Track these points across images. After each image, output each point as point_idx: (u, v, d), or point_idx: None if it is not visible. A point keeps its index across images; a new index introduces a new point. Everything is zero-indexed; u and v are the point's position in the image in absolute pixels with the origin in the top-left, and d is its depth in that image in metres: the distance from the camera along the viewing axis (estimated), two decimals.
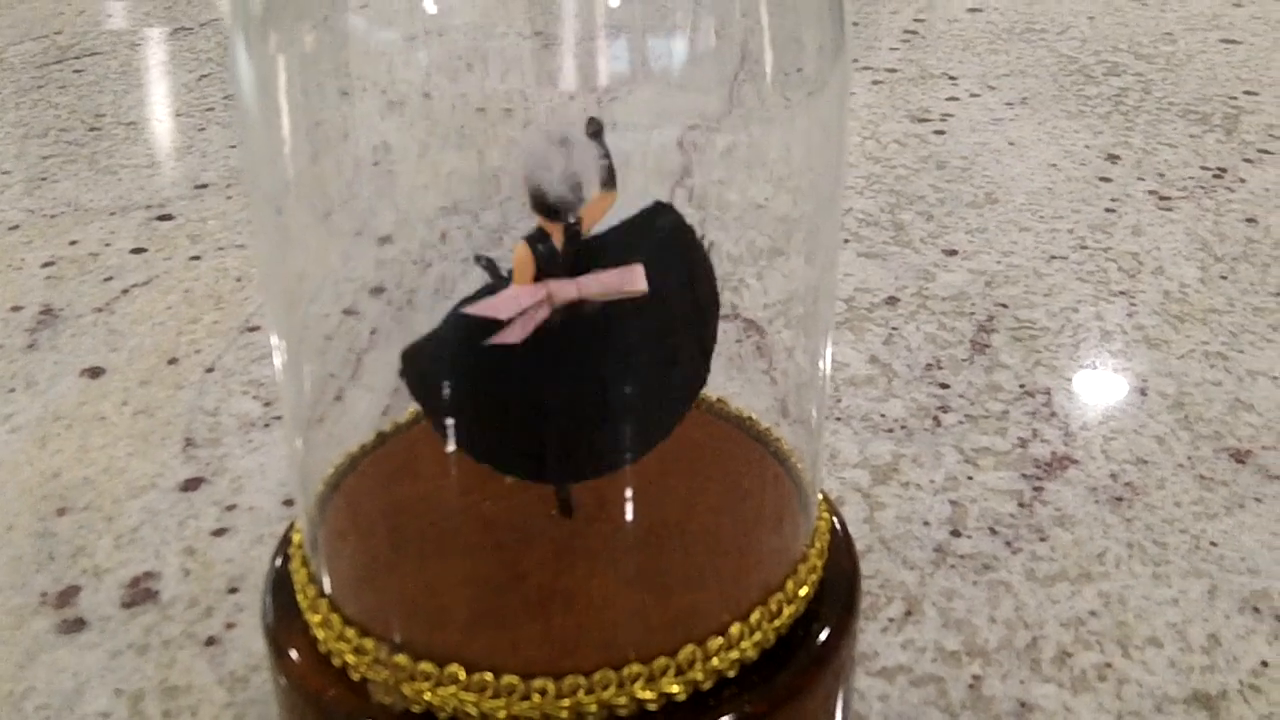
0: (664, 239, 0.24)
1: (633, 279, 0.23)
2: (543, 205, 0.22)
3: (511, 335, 0.22)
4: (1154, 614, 0.34)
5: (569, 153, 0.22)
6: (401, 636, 0.23)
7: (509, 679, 0.22)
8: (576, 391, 0.23)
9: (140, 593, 0.35)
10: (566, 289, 0.23)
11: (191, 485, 0.40)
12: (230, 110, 0.74)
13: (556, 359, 0.23)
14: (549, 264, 0.23)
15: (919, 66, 0.82)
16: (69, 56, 0.85)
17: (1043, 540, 0.37)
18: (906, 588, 0.35)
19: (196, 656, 0.33)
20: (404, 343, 0.24)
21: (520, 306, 0.23)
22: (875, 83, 0.79)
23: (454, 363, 0.23)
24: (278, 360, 0.26)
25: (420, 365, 0.23)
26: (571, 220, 0.23)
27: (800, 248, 0.28)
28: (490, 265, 0.23)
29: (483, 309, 0.23)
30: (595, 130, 0.22)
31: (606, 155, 0.22)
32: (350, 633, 0.24)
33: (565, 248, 0.23)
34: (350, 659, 0.24)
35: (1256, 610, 0.34)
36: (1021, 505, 0.39)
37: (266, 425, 0.43)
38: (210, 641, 0.33)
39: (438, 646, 0.23)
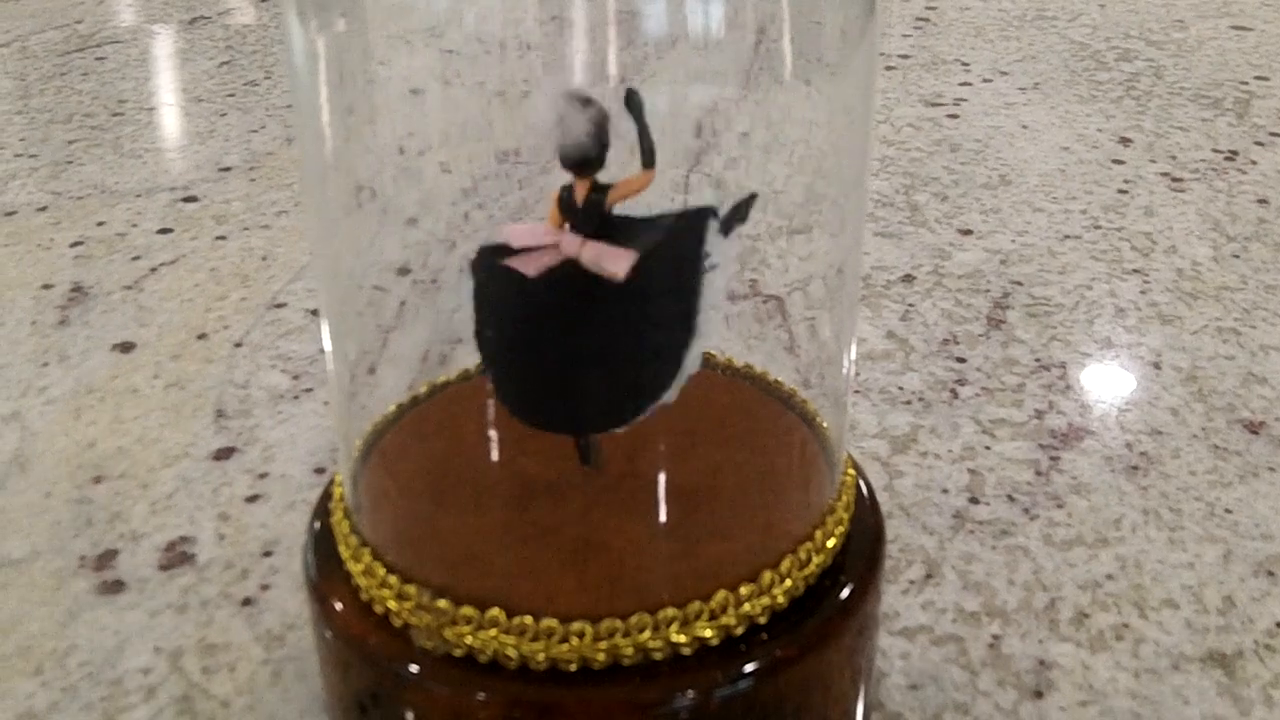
0: (677, 237, 0.24)
1: (616, 262, 0.23)
2: (564, 156, 0.23)
3: (522, 265, 0.23)
4: (1170, 577, 0.35)
5: (591, 110, 0.23)
6: (442, 583, 0.24)
7: (548, 622, 0.23)
8: (576, 341, 0.24)
9: (177, 556, 0.36)
10: (571, 245, 0.23)
11: (224, 454, 0.41)
12: (250, 96, 0.75)
13: (559, 306, 0.24)
14: (568, 216, 0.24)
15: (931, 53, 0.83)
16: (90, 45, 0.86)
17: (1060, 507, 0.38)
18: (926, 552, 0.36)
19: (234, 616, 0.34)
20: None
21: (531, 242, 0.24)
22: (889, 69, 0.80)
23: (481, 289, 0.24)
24: (324, 315, 0.27)
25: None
26: (597, 179, 0.23)
27: (827, 224, 0.29)
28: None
29: (501, 234, 0.24)
30: (633, 103, 0.23)
31: (647, 134, 0.23)
32: (393, 580, 0.25)
33: (585, 206, 0.23)
34: (393, 605, 0.24)
35: (1271, 574, 0.35)
36: (1038, 474, 0.39)
37: (296, 398, 0.44)
38: (246, 602, 0.34)
39: (478, 593, 0.24)
